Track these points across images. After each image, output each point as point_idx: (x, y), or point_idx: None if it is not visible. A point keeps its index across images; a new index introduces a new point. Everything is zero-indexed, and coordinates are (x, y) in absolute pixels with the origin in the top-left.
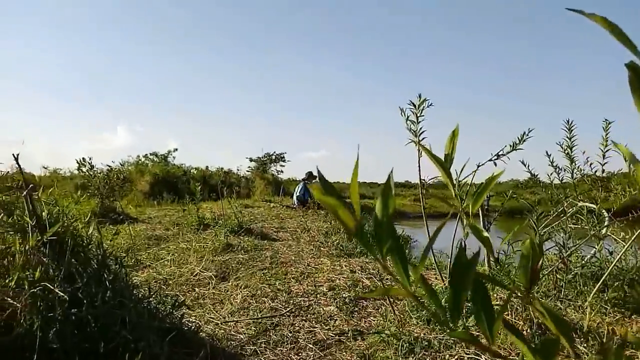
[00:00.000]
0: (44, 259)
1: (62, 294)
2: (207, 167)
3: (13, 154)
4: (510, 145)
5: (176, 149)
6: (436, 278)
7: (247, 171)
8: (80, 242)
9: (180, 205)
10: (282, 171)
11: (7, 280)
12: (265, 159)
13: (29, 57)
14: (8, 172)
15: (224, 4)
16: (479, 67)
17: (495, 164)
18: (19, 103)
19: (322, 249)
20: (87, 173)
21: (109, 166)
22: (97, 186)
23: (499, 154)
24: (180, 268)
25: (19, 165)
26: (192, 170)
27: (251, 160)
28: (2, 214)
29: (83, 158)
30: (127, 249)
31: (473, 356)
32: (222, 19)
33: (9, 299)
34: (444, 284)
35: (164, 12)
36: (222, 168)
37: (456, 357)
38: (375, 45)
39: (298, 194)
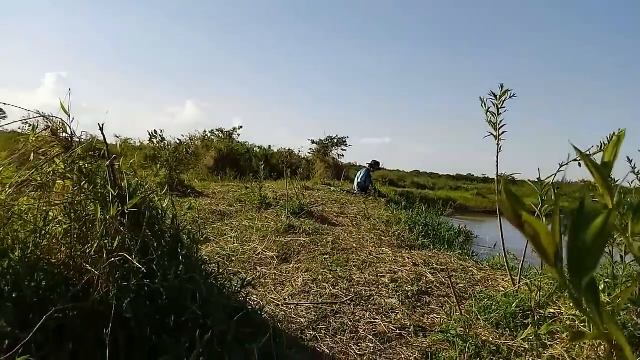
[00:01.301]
0: (122, 229)
1: (138, 265)
2: (269, 147)
3: (99, 124)
4: (598, 146)
5: (241, 127)
6: (503, 279)
7: (308, 153)
8: (155, 215)
9: (243, 183)
10: (343, 155)
11: (86, 247)
12: (327, 142)
13: (112, 29)
14: (94, 138)
15: None
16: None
17: (580, 165)
18: (94, 71)
19: (383, 238)
20: (157, 144)
21: (179, 139)
22: (166, 158)
23: (585, 154)
24: (243, 246)
25: (104, 135)
26: (255, 149)
27: (313, 142)
28: (84, 182)
29: (155, 130)
30: (192, 222)
31: None
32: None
33: (87, 266)
34: (515, 287)
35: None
36: (287, 148)
37: None
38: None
39: (359, 180)
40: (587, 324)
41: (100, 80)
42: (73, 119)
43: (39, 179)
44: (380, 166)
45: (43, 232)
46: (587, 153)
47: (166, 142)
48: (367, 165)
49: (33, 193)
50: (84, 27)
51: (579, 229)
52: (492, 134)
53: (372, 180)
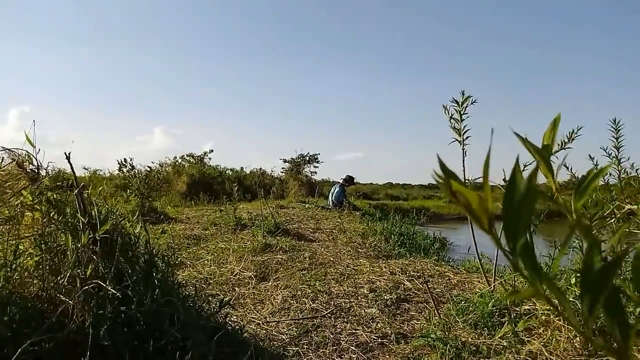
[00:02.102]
0: (94, 257)
1: (114, 291)
2: (242, 168)
3: (65, 153)
4: (559, 144)
5: (212, 151)
6: (479, 281)
7: (281, 172)
8: (128, 241)
9: (217, 206)
10: (315, 172)
11: (58, 278)
12: (299, 160)
13: (71, 59)
14: (60, 170)
15: (266, 12)
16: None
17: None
18: (58, 105)
19: (359, 250)
20: (127, 173)
21: (149, 167)
22: (137, 186)
23: (525, 138)
24: (220, 268)
25: (71, 164)
26: (227, 171)
27: (285, 161)
28: (54, 212)
29: (124, 158)
30: (167, 248)
31: None
32: (260, 24)
33: (61, 296)
34: (490, 288)
35: (204, 18)
36: (260, 168)
37: None
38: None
39: (334, 195)
40: (561, 317)
41: (65, 113)
42: (39, 150)
43: (6, 212)
44: (356, 182)
45: (14, 265)
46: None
47: (136, 170)
48: (341, 181)
49: (1, 227)
50: (43, 60)
51: (510, 196)
52: (457, 140)
53: (347, 195)
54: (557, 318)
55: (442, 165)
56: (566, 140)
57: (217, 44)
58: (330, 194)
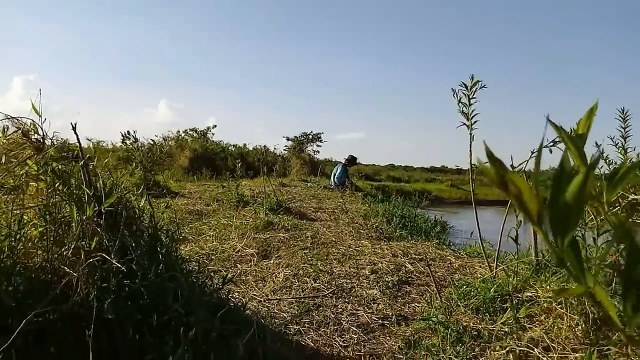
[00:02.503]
0: (99, 230)
1: (118, 265)
2: (245, 145)
3: (71, 123)
4: (571, 129)
5: (215, 126)
6: (480, 266)
7: (284, 150)
8: (132, 214)
9: (219, 182)
10: (318, 151)
11: (63, 249)
12: (302, 138)
13: (77, 29)
14: (66, 140)
15: None
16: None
17: (551, 151)
18: (64, 75)
19: (361, 231)
20: (130, 146)
21: (152, 140)
22: (140, 159)
23: (555, 140)
24: (222, 244)
25: (77, 135)
26: (230, 148)
27: (288, 139)
28: (58, 183)
29: (127, 131)
30: (170, 222)
31: (525, 349)
32: (269, 2)
33: (65, 268)
34: (493, 273)
35: None
36: (264, 145)
37: (507, 349)
38: (426, 35)
39: (337, 175)
40: (564, 306)
41: (70, 83)
42: (45, 119)
43: (11, 181)
44: (358, 162)
45: (18, 235)
46: (558, 139)
47: (139, 143)
48: (343, 161)
49: (5, 197)
50: (52, 31)
51: (559, 189)
52: (464, 124)
53: (349, 175)
54: (559, 306)
55: (489, 153)
56: (574, 128)
57: (225, 21)
58: (333, 174)
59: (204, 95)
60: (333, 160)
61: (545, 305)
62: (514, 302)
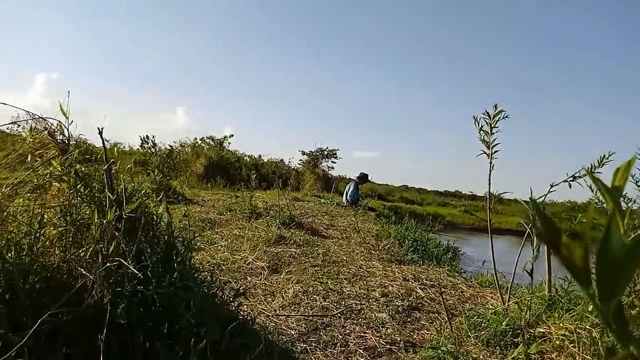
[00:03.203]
0: (117, 234)
1: (135, 271)
2: (260, 156)
3: (98, 128)
4: (587, 168)
5: (232, 135)
6: (492, 297)
7: (298, 164)
8: (150, 221)
9: (233, 191)
10: (332, 168)
11: (80, 251)
12: (317, 153)
13: (100, 31)
14: (90, 143)
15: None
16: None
17: (570, 186)
18: (84, 75)
19: (372, 252)
20: (149, 150)
21: (170, 146)
22: (157, 164)
23: (575, 175)
24: (233, 255)
25: (103, 139)
26: (245, 158)
27: (303, 153)
28: (81, 185)
29: (147, 135)
30: (185, 230)
31: None
32: (293, 18)
33: (81, 270)
34: (505, 305)
35: (239, 5)
36: (281, 160)
37: None
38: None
39: (349, 193)
40: (576, 344)
41: (90, 84)
42: (72, 122)
43: (35, 180)
44: (369, 179)
45: (37, 234)
46: (578, 174)
47: (157, 147)
48: (355, 179)
49: (28, 195)
50: (74, 30)
51: (606, 254)
52: (484, 152)
53: (361, 195)
54: (572, 344)
55: (541, 213)
56: (596, 165)
57: (249, 36)
58: (345, 192)
59: (222, 105)
60: (347, 177)
61: (557, 342)
62: (526, 337)
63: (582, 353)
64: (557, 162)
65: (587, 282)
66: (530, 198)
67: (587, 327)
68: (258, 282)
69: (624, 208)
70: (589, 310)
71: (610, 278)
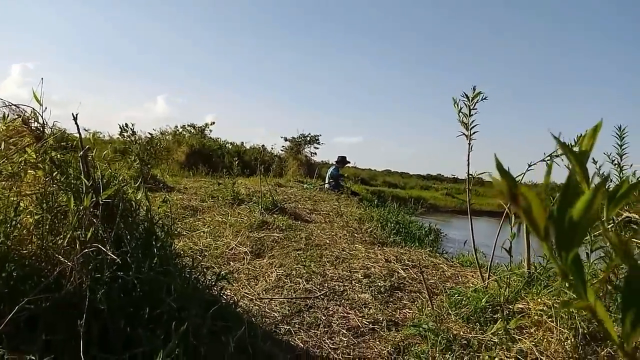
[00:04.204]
0: (95, 221)
1: (113, 256)
2: (242, 143)
3: (72, 114)
4: (571, 144)
5: (213, 123)
6: (473, 276)
7: (281, 150)
8: (129, 207)
9: (215, 179)
10: (315, 153)
11: (58, 238)
12: (300, 139)
13: (77, 18)
14: (65, 130)
15: None
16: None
17: (549, 166)
18: (64, 64)
19: (355, 235)
20: (128, 138)
21: (150, 134)
22: (137, 152)
23: (552, 154)
24: (215, 240)
25: (78, 126)
26: (227, 145)
27: (286, 139)
28: (57, 172)
29: (125, 123)
30: (166, 217)
31: None
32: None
33: (59, 257)
34: (485, 283)
35: None
36: (262, 145)
37: (496, 359)
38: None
39: (330, 177)
40: (554, 319)
41: (70, 73)
42: (45, 108)
43: (9, 168)
44: (349, 161)
45: (14, 222)
46: (556, 153)
47: (137, 135)
48: (334, 163)
49: (3, 183)
50: (52, 19)
51: (566, 206)
52: (464, 134)
53: (343, 177)
54: (550, 319)
55: (500, 166)
56: (572, 144)
57: (231, 19)
58: (327, 176)
59: (204, 93)
60: (330, 162)
61: (535, 317)
62: (505, 313)
63: (560, 327)
64: (541, 143)
65: (545, 232)
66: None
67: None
68: (241, 267)
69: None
70: (566, 285)
71: (568, 229)
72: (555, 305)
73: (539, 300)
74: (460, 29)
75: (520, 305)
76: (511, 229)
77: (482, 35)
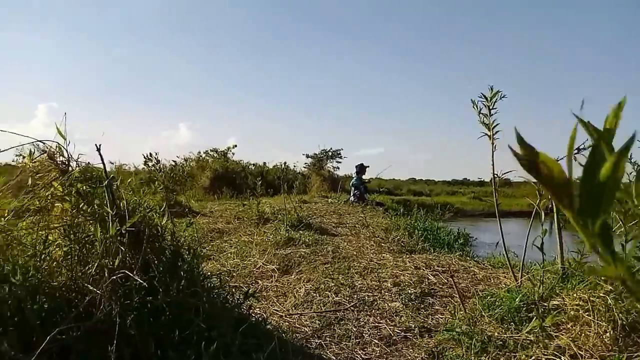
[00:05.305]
0: (122, 248)
1: (141, 282)
2: (264, 163)
3: (96, 145)
4: (585, 124)
5: (235, 146)
6: (505, 276)
7: (304, 167)
8: (155, 233)
9: (240, 200)
10: (338, 168)
11: (86, 268)
12: (322, 155)
13: (97, 59)
14: (89, 163)
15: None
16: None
17: (575, 159)
18: (83, 102)
19: (383, 244)
20: (153, 167)
21: (174, 161)
22: (162, 180)
23: (580, 147)
24: (243, 260)
25: (101, 156)
26: (250, 166)
27: (307, 156)
28: (82, 203)
29: (150, 153)
30: (192, 240)
31: (551, 357)
32: (284, 21)
33: (89, 286)
34: (518, 283)
35: (226, 14)
36: (284, 163)
37: (533, 357)
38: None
39: (352, 183)
40: (592, 313)
41: (90, 110)
42: (69, 142)
43: (37, 203)
44: (367, 166)
45: (43, 255)
46: (583, 146)
47: (161, 164)
48: (356, 174)
49: (32, 217)
50: (69, 58)
51: (592, 171)
52: (486, 134)
53: (365, 183)
54: (587, 313)
55: (520, 138)
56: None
57: (239, 40)
58: (351, 188)
59: (223, 117)
60: (352, 175)
61: (572, 313)
62: (540, 311)
63: (597, 320)
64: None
65: (568, 199)
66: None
67: (601, 294)
68: (269, 284)
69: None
70: (602, 278)
71: (595, 193)
72: (591, 298)
73: (575, 295)
74: (483, 26)
75: (555, 302)
76: (542, 225)
77: (496, 30)
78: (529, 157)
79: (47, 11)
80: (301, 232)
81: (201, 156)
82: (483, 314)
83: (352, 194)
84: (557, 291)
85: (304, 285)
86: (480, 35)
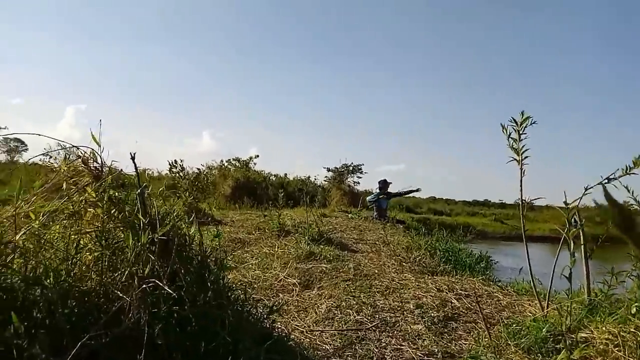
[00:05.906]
0: (151, 256)
1: (170, 291)
2: (285, 175)
3: (130, 153)
4: (623, 169)
5: (257, 156)
6: (530, 304)
7: (324, 180)
8: (183, 242)
9: (260, 211)
10: (358, 183)
11: (116, 274)
12: (343, 169)
13: (124, 64)
14: (121, 170)
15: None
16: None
17: (605, 188)
18: (110, 104)
19: (404, 264)
20: (177, 174)
21: (198, 169)
22: (185, 187)
23: (610, 177)
24: (264, 273)
25: (135, 164)
26: (271, 177)
27: (328, 170)
28: (114, 210)
29: (175, 160)
30: (216, 250)
31: None
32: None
33: (118, 292)
34: (544, 312)
35: (251, 23)
36: (308, 177)
37: None
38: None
39: (370, 197)
40: (621, 348)
41: (116, 113)
42: (103, 149)
43: (70, 207)
44: (390, 182)
45: (74, 259)
46: (613, 176)
47: (185, 171)
48: (376, 190)
49: (64, 221)
50: (97, 60)
51: None
52: (514, 159)
53: (386, 201)
54: (617, 348)
55: (609, 197)
56: (631, 166)
57: (265, 52)
58: (373, 205)
59: (246, 127)
60: (374, 191)
61: (601, 347)
62: (568, 343)
63: (628, 356)
64: (592, 165)
65: None
66: (564, 202)
67: (632, 329)
68: (290, 298)
69: None
70: (632, 312)
71: None
72: (622, 333)
73: (604, 328)
74: (513, 48)
75: (583, 334)
76: (571, 256)
77: (521, 49)
78: (620, 216)
79: (73, 17)
80: (322, 246)
81: (224, 165)
82: (509, 342)
83: (370, 205)
84: (586, 323)
85: (325, 301)
86: (506, 59)
